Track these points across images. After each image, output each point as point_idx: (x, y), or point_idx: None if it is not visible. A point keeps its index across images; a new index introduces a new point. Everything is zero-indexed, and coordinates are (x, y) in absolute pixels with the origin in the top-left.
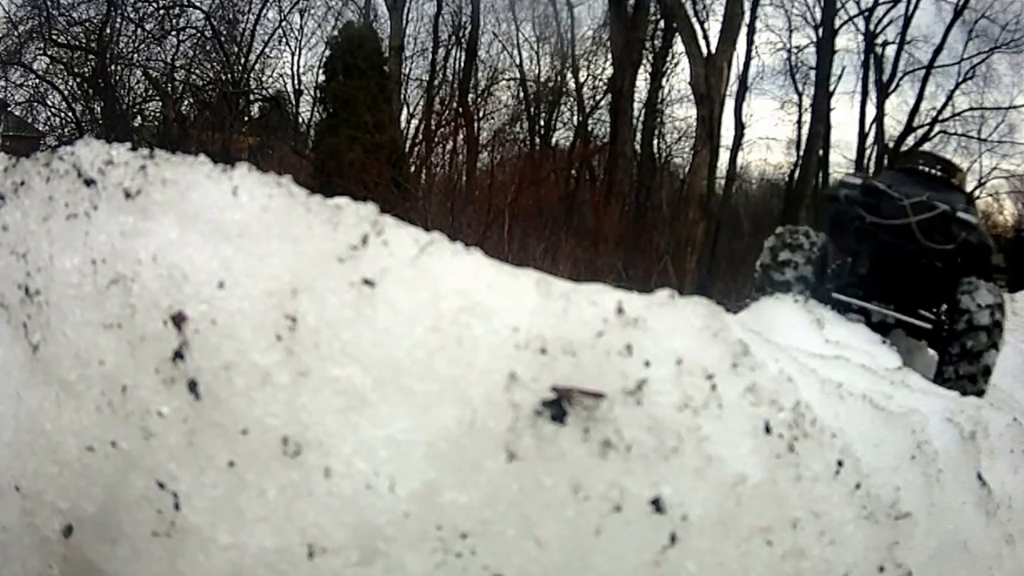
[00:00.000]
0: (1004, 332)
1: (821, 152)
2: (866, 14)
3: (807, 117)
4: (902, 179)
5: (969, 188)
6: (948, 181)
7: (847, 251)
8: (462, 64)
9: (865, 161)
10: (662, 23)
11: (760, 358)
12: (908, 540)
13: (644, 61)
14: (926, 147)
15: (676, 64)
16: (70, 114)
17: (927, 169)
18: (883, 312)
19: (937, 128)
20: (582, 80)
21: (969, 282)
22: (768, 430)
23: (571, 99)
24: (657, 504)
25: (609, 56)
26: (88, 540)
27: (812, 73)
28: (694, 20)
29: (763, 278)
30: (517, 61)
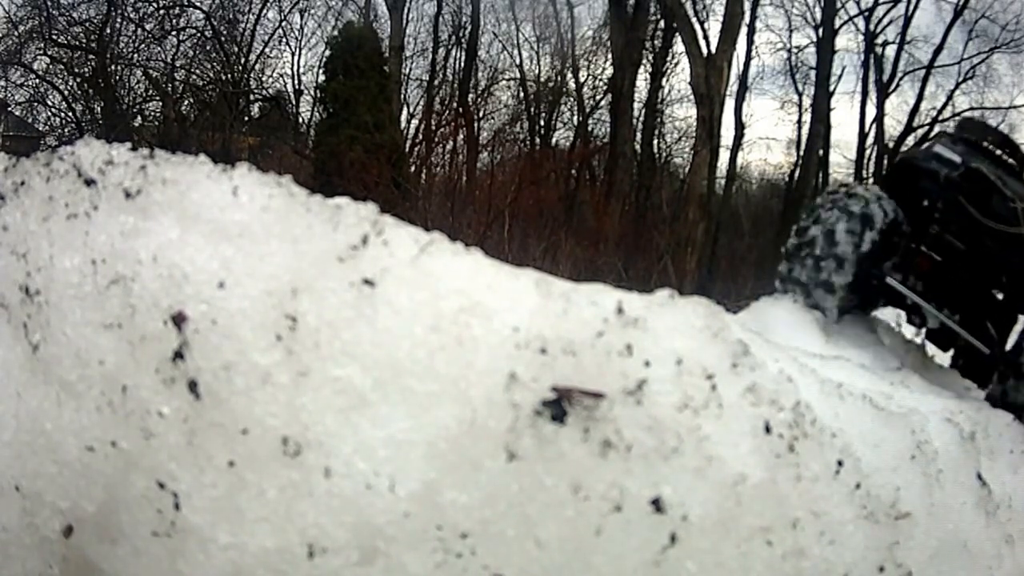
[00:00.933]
0: None
1: (821, 152)
2: (866, 14)
3: (807, 117)
4: (994, 166)
5: None
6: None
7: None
8: (462, 64)
9: (865, 161)
10: (662, 23)
11: (760, 358)
12: (908, 540)
13: (644, 61)
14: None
15: (676, 64)
16: (70, 114)
17: (1001, 154)
18: (944, 320)
19: (937, 128)
20: (582, 80)
21: None
22: (768, 430)
23: (571, 99)
24: (657, 504)
25: (609, 56)
26: (88, 540)
27: (812, 73)
28: (694, 20)
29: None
30: (517, 61)
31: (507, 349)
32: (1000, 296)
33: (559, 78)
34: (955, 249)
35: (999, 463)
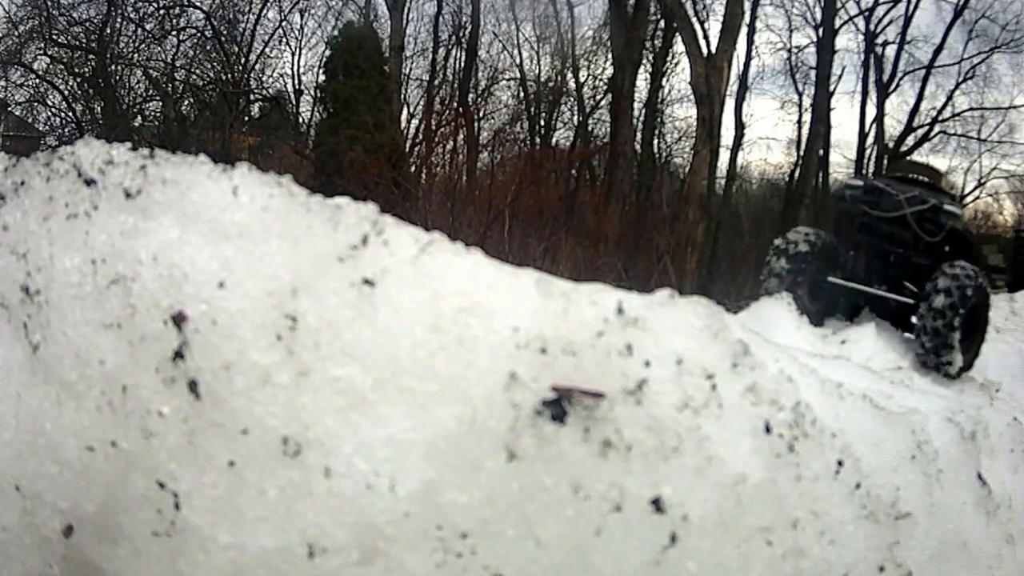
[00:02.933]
0: (983, 314)
1: (821, 152)
2: (866, 14)
3: (807, 117)
4: (894, 182)
5: (950, 189)
6: (932, 184)
7: (853, 245)
8: (462, 64)
9: (865, 161)
10: (662, 23)
11: (760, 358)
12: (908, 540)
13: (644, 61)
14: (926, 147)
15: (676, 64)
16: (70, 114)
17: (915, 176)
18: (872, 291)
19: (937, 128)
20: (582, 80)
21: (951, 265)
22: (768, 430)
23: (571, 99)
24: (657, 504)
25: (609, 56)
26: (88, 540)
27: (812, 73)
28: (694, 20)
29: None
30: (517, 61)
31: (507, 349)
32: (919, 260)
33: (559, 78)
34: (878, 241)
35: (999, 463)
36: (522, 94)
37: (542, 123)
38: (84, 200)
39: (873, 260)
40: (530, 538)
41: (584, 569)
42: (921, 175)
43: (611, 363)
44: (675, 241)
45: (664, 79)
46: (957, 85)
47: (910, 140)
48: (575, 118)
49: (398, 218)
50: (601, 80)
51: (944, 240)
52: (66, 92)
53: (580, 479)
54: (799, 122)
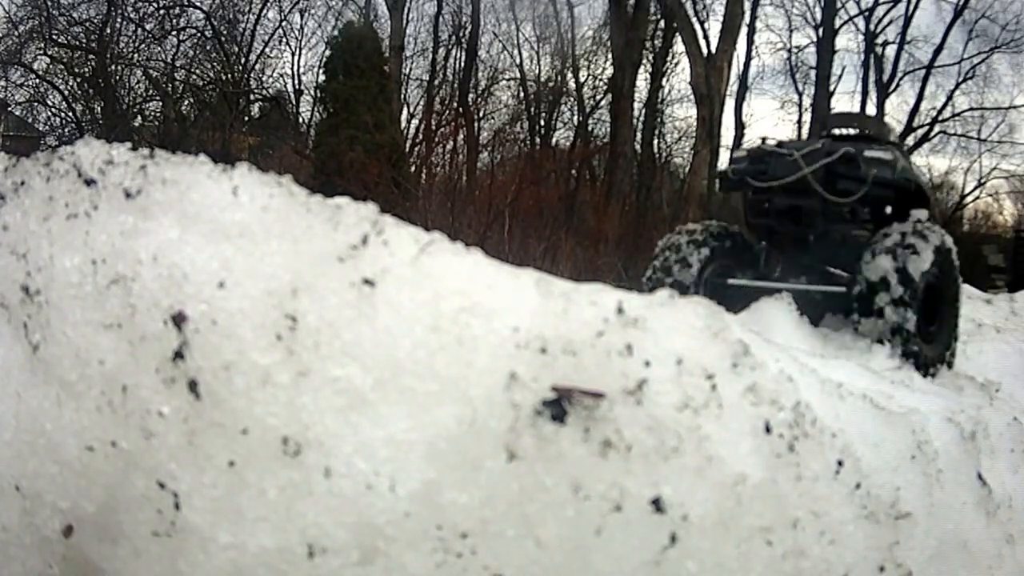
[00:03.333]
0: (952, 287)
1: None
2: (866, 14)
3: (807, 117)
4: (796, 142)
5: (890, 136)
6: (864, 135)
7: (765, 234)
8: (462, 64)
9: None
10: (662, 23)
11: (760, 358)
12: (908, 540)
13: (644, 61)
14: (926, 147)
15: (676, 64)
16: (70, 114)
17: (842, 131)
18: (778, 287)
19: (937, 128)
20: (582, 80)
21: (892, 224)
22: (768, 430)
23: (571, 99)
24: (657, 504)
25: (609, 56)
26: (88, 540)
27: (812, 73)
28: (694, 20)
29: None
30: (517, 61)
31: (507, 349)
32: (852, 232)
33: (559, 78)
34: (777, 220)
35: (999, 463)
36: (522, 94)
37: (542, 123)
38: (84, 200)
39: (787, 246)
40: (530, 538)
41: (584, 569)
42: (851, 126)
43: (611, 363)
44: None
45: (664, 79)
46: (957, 85)
47: (910, 140)
48: (575, 118)
49: (398, 218)
50: (601, 80)
51: (881, 201)
52: (66, 92)
53: (580, 479)
54: (799, 122)
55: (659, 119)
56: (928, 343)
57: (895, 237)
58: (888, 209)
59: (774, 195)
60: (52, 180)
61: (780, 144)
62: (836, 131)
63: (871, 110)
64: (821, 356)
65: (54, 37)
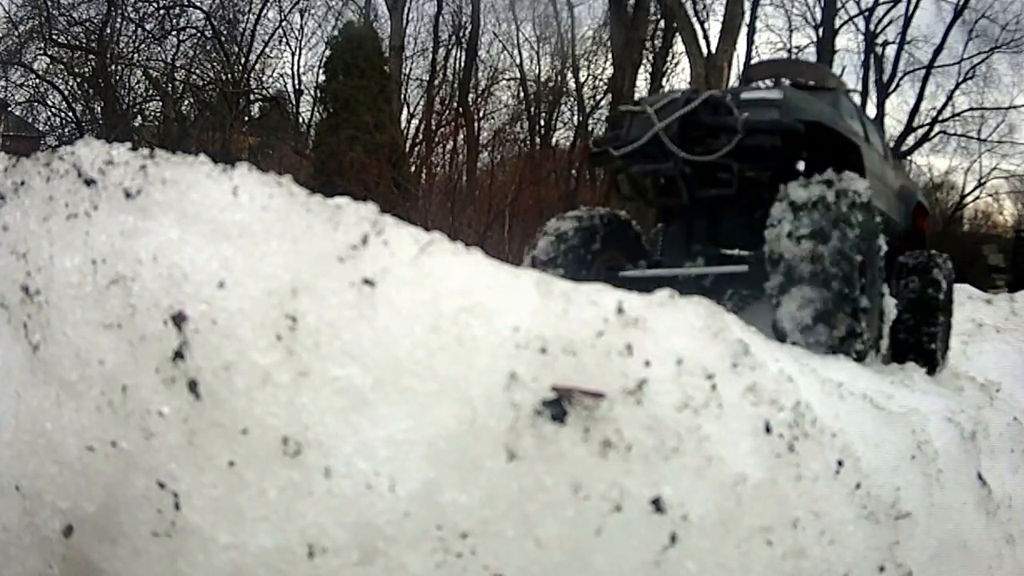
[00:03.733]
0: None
1: None
2: (866, 14)
3: None
4: (666, 95)
5: (825, 81)
6: (806, 86)
7: (663, 215)
8: (462, 64)
9: None
10: (662, 23)
11: (760, 358)
12: (908, 540)
13: (644, 61)
14: (926, 147)
15: (676, 64)
16: (70, 114)
17: (766, 83)
18: (670, 274)
19: (937, 128)
20: (582, 80)
21: (790, 184)
22: (768, 430)
23: (571, 99)
24: (657, 504)
25: (609, 56)
26: (88, 540)
27: None
28: (694, 20)
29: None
30: (517, 61)
31: (507, 349)
32: (758, 195)
33: (559, 78)
34: (657, 194)
35: (999, 463)
36: (522, 94)
37: (542, 123)
38: (84, 200)
39: (672, 226)
40: (530, 538)
41: (584, 569)
42: (778, 76)
43: (611, 363)
44: None
45: (664, 79)
46: (957, 85)
47: (910, 140)
48: (575, 118)
49: (398, 218)
50: (601, 80)
51: (775, 155)
52: (66, 92)
53: (580, 479)
54: None
55: None
56: (863, 320)
57: (800, 194)
58: (801, 166)
59: (632, 162)
60: (52, 180)
61: (638, 101)
62: (761, 84)
63: (871, 110)
64: (821, 356)
65: (54, 37)
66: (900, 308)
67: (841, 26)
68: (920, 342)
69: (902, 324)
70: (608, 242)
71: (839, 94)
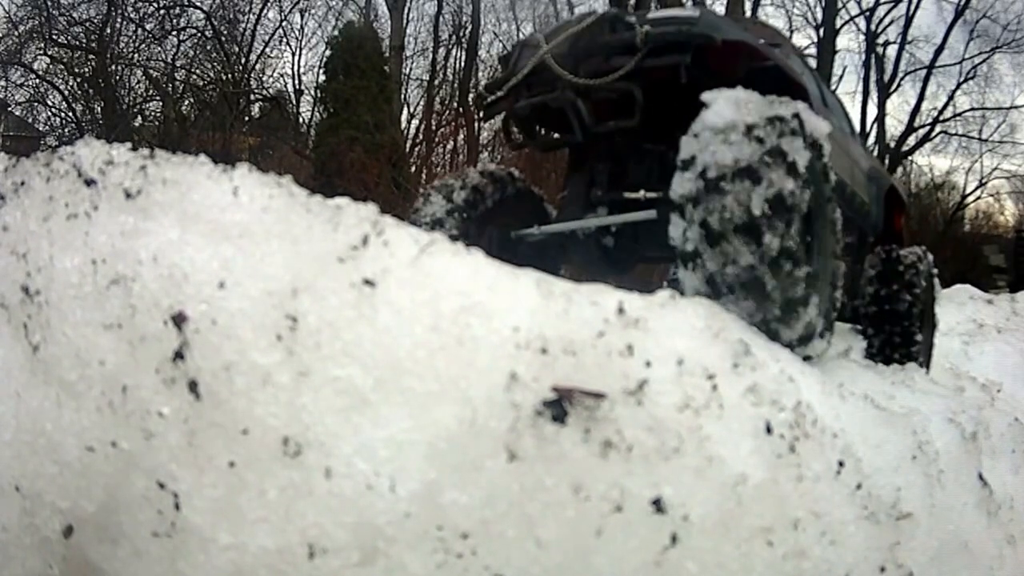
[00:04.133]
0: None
1: None
2: (867, 14)
3: None
4: (564, 22)
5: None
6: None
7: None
8: (462, 64)
9: None
10: None
11: (761, 358)
12: (909, 540)
13: None
14: (927, 147)
15: None
16: (70, 114)
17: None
18: (592, 223)
19: (938, 128)
20: None
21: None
22: (769, 430)
23: None
24: (658, 504)
25: None
26: (88, 540)
27: None
28: None
29: None
30: None
31: (508, 349)
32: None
33: None
34: (557, 136)
35: (1001, 463)
36: None
37: None
38: (84, 200)
39: (580, 176)
40: (530, 538)
41: (584, 569)
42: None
43: (612, 363)
44: None
45: None
46: (958, 85)
47: (911, 140)
48: None
49: (398, 218)
50: None
51: (689, 80)
52: (66, 92)
53: (581, 479)
54: None
55: None
56: (795, 287)
57: (717, 116)
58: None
59: (520, 97)
60: (52, 180)
61: (532, 34)
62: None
63: (872, 110)
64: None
65: (54, 37)
66: (873, 309)
67: (842, 26)
68: (901, 346)
69: (879, 325)
70: (503, 204)
71: (789, 48)
